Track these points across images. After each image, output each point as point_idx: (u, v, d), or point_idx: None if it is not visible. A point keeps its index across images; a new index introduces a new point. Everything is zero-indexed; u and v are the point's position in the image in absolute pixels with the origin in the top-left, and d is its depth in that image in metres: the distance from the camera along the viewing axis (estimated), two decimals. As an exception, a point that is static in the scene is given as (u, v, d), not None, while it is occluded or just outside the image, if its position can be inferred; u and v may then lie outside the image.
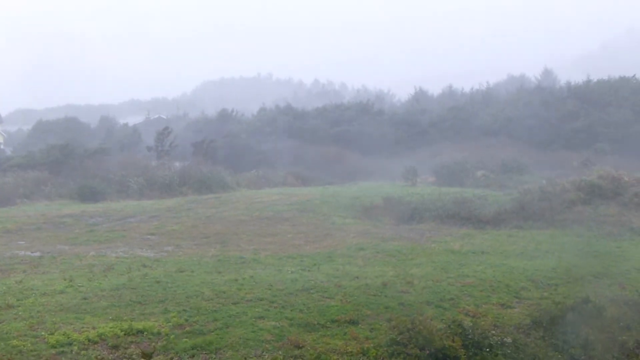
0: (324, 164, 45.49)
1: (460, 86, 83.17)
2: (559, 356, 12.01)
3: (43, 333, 11.38)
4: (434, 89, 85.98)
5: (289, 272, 16.49)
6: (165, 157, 46.01)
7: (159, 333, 11.48)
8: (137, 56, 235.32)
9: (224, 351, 10.83)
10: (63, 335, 11.19)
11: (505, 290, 15.11)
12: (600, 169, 31.83)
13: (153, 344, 10.98)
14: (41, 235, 22.87)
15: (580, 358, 12.02)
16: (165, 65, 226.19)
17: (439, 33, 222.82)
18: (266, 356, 10.69)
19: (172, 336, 11.29)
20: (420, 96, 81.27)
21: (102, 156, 42.36)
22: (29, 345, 10.83)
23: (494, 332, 12.27)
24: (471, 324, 12.33)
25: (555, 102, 57.57)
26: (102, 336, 11.22)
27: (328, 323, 12.34)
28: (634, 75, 59.33)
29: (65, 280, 15.26)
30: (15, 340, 10.98)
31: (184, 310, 12.90)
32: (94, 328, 11.64)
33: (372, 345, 11.26)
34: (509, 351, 11.68)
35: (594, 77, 60.89)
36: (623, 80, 59.49)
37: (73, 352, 10.59)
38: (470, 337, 11.73)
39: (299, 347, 11.09)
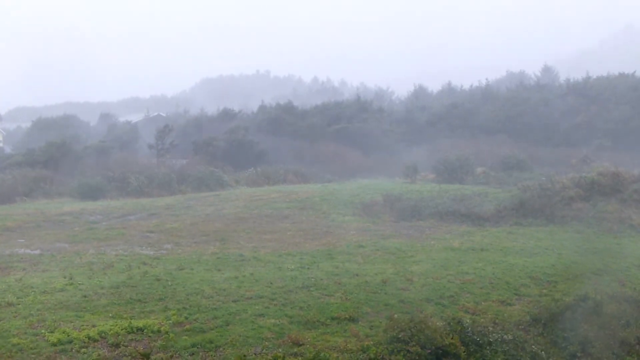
0: (324, 161, 45.44)
1: (459, 83, 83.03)
2: (559, 353, 12.04)
3: (43, 331, 11.39)
4: (434, 85, 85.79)
5: (289, 269, 16.51)
6: (165, 155, 46.01)
7: (158, 331, 11.48)
8: (136, 54, 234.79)
9: (223, 349, 10.84)
10: (63, 333, 11.19)
11: (504, 287, 15.13)
12: (599, 165, 31.91)
13: (153, 342, 10.99)
14: (41, 233, 22.88)
15: (579, 355, 12.06)
16: (164, 62, 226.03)
17: (438, 30, 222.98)
18: (266, 354, 10.69)
19: (171, 334, 11.30)
20: (419, 93, 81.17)
21: (101, 154, 42.32)
22: (29, 343, 10.84)
23: (493, 329, 12.28)
24: (471, 322, 12.35)
25: (554, 98, 57.52)
26: (102, 334, 11.23)
27: (328, 320, 12.36)
28: (634, 72, 59.33)
29: (65, 278, 15.28)
30: (15, 338, 10.99)
31: (184, 308, 12.91)
32: (94, 326, 11.65)
33: (372, 342, 11.27)
34: (508, 348, 11.70)
35: (593, 74, 60.88)
36: (622, 76, 59.49)
37: (73, 350, 10.60)
38: (470, 334, 11.75)
39: (298, 345, 11.10)
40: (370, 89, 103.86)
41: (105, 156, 42.50)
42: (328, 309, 12.99)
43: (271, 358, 10.50)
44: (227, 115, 58.60)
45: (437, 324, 11.88)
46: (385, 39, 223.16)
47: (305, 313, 12.74)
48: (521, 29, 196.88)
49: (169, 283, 14.86)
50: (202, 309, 12.81)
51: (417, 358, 10.83)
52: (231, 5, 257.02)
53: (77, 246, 20.32)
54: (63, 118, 70.19)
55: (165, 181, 37.30)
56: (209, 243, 20.77)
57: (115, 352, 10.62)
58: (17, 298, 13.49)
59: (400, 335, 11.17)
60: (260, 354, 10.73)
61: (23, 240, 21.23)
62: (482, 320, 12.70)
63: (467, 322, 12.19)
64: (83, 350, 10.62)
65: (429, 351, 11.02)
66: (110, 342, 10.96)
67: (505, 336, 12.05)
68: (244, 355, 10.52)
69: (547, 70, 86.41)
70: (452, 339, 11.29)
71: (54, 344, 10.76)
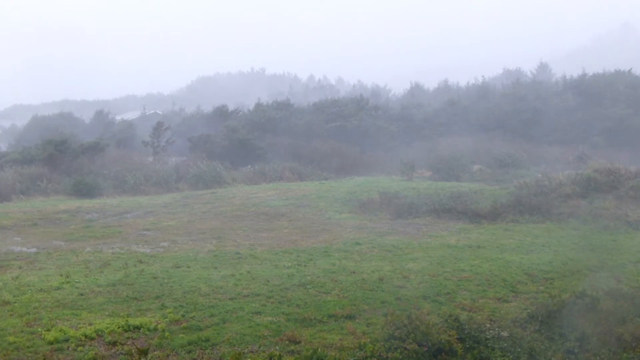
0: (320, 159, 45.40)
1: (455, 80, 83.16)
2: (556, 349, 12.03)
3: (39, 329, 11.37)
4: (430, 83, 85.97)
5: (286, 267, 16.50)
6: (162, 152, 45.95)
7: (155, 329, 11.47)
8: (132, 52, 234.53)
9: (220, 347, 10.83)
10: (60, 331, 11.17)
11: (501, 284, 15.15)
12: (596, 162, 31.94)
13: (149, 340, 10.97)
14: (37, 231, 22.85)
15: (576, 351, 12.05)
16: (160, 61, 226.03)
17: (434, 28, 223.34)
18: (263, 352, 10.68)
19: (168, 332, 11.28)
20: (416, 91, 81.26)
21: (97, 151, 42.22)
22: (26, 341, 10.82)
23: (490, 326, 12.29)
24: (467, 318, 12.35)
25: (550, 96, 57.55)
26: (99, 332, 11.21)
27: (325, 318, 12.36)
28: (630, 69, 59.41)
29: (61, 276, 15.25)
30: (11, 337, 10.96)
31: (181, 306, 12.90)
32: (90, 324, 11.63)
33: (369, 340, 11.26)
34: (505, 345, 11.70)
35: (590, 71, 60.96)
36: (618, 73, 59.54)
37: (70, 349, 10.58)
38: (467, 331, 11.74)
39: (295, 343, 11.09)
40: (366, 86, 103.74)
41: (101, 154, 42.36)
42: (325, 306, 12.99)
43: (268, 356, 10.48)
44: (222, 113, 58.49)
45: (434, 321, 11.87)
46: (382, 37, 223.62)
47: (302, 311, 12.73)
48: (517, 26, 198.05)
49: (166, 281, 14.85)
50: (199, 307, 12.80)
51: (414, 355, 10.82)
52: (226, 4, 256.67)
53: (73, 244, 20.29)
54: (59, 116, 70.04)
55: (162, 179, 37.27)
56: (205, 241, 20.77)
57: (112, 350, 10.60)
58: (13, 296, 13.46)
59: (397, 333, 11.16)
60: (257, 352, 10.72)
61: (19, 239, 21.20)
62: (478, 317, 12.71)
63: (463, 319, 12.19)
64: (80, 348, 10.60)
65: (426, 348, 11.01)
66: (107, 340, 10.95)
67: (502, 333, 12.06)
68: (241, 353, 10.50)
69: (543, 67, 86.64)
70: (449, 335, 11.28)
71: (51, 343, 10.75)
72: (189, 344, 10.88)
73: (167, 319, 12.02)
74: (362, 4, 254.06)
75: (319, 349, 10.78)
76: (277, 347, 10.85)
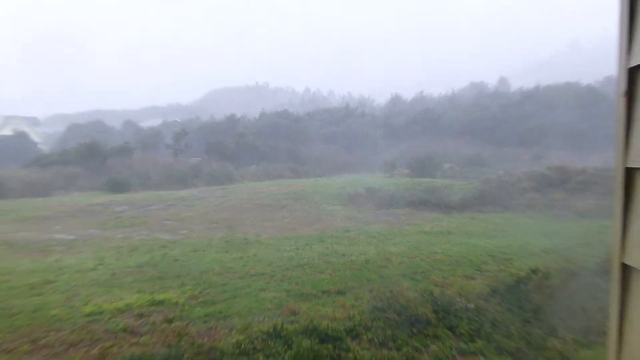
0: (315, 159, 45.45)
1: (429, 92, 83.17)
2: (514, 319, 12.12)
3: (77, 304, 11.38)
4: (408, 94, 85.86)
5: (286, 251, 16.53)
6: (181, 154, 45.92)
7: (176, 303, 11.49)
8: (154, 69, 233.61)
9: (231, 318, 10.87)
10: (95, 305, 11.19)
11: (468, 264, 15.19)
12: (548, 162, 32.08)
13: (172, 313, 11.01)
14: (75, 221, 22.82)
15: (531, 320, 12.15)
16: (178, 75, 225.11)
17: (411, 47, 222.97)
18: (267, 322, 10.73)
19: (187, 306, 11.31)
20: (396, 101, 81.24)
21: (126, 154, 42.17)
22: (66, 314, 10.84)
23: (459, 299, 12.36)
24: (440, 293, 12.42)
25: (509, 105, 57.74)
26: (129, 306, 11.23)
27: (319, 293, 12.39)
28: (577, 81, 59.63)
29: (96, 259, 15.26)
30: (54, 310, 10.98)
31: (198, 284, 12.92)
32: (121, 299, 11.65)
33: (356, 312, 11.32)
34: (471, 315, 11.78)
35: (543, 84, 61.16)
36: (567, 85, 59.79)
37: (103, 320, 10.60)
38: (439, 303, 11.81)
39: (295, 314, 11.13)
40: (354, 97, 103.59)
41: (129, 156, 42.30)
42: (319, 284, 13.02)
43: (272, 325, 10.53)
44: (232, 121, 58.41)
45: (412, 295, 11.92)
46: (368, 54, 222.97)
47: (300, 287, 12.76)
48: (481, 44, 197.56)
49: (185, 263, 14.86)
50: (213, 285, 12.82)
51: (394, 324, 10.89)
52: (234, 25, 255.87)
53: (106, 232, 20.28)
54: (92, 123, 69.81)
55: (181, 177, 37.24)
56: (218, 229, 20.76)
57: (140, 321, 10.63)
58: (55, 276, 13.46)
59: (380, 305, 11.22)
60: (262, 322, 10.76)
61: (59, 227, 21.16)
62: (449, 292, 12.76)
63: (436, 293, 12.25)
64: (112, 319, 10.62)
65: (405, 318, 11.07)
66: (135, 312, 10.96)
67: (468, 305, 12.14)
68: (249, 324, 10.55)
69: (502, 80, 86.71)
70: (424, 307, 11.34)
71: (87, 315, 10.76)
72: (205, 315, 10.91)
73: (186, 295, 12.03)
74: (351, 28, 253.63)
75: (315, 319, 10.83)
76: (280, 318, 10.88)
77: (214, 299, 12.08)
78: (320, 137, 52.64)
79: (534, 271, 14.04)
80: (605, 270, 14.60)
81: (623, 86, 1.59)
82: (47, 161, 40.36)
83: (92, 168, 38.33)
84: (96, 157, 40.15)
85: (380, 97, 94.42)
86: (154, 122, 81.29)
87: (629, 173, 1.56)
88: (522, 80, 75.74)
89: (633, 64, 1.54)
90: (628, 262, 1.56)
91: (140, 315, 11.05)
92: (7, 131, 68.40)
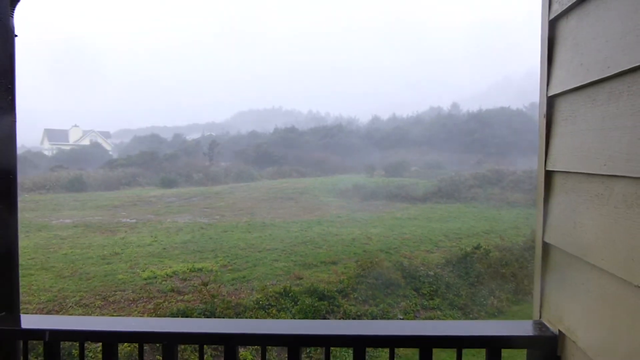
0: (315, 163, 45.44)
1: (400, 113, 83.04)
2: (462, 282, 12.15)
3: (138, 270, 11.39)
4: (384, 115, 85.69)
5: (294, 231, 16.53)
6: (215, 160, 45.90)
7: (211, 270, 11.51)
8: (196, 94, 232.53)
9: (252, 281, 10.88)
10: (150, 272, 11.20)
11: (429, 242, 15.22)
12: (488, 165, 32.09)
13: (207, 277, 11.02)
14: (136, 209, 22.77)
15: (475, 284, 12.17)
16: (214, 99, 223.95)
17: (385, 77, 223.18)
18: (279, 284, 10.74)
19: (219, 272, 11.32)
20: (375, 120, 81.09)
21: (175, 159, 42.13)
22: (129, 278, 10.84)
23: (422, 268, 12.39)
24: (408, 263, 12.46)
25: (460, 123, 57.81)
26: (175, 272, 11.24)
27: (318, 264, 12.41)
28: (509, 106, 59.66)
29: (152, 237, 15.25)
30: (120, 275, 10.99)
31: (227, 256, 12.92)
32: (170, 267, 11.66)
33: (345, 277, 11.34)
34: (431, 280, 11.81)
35: (484, 108, 61.23)
36: (502, 109, 59.82)
37: (157, 283, 10.61)
38: (407, 271, 11.85)
39: (300, 279, 11.15)
40: (344, 117, 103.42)
41: (176, 161, 42.25)
42: (318, 256, 13.04)
43: (282, 287, 10.55)
44: (253, 135, 58.38)
45: (387, 265, 11.95)
46: (353, 84, 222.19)
47: (304, 259, 12.78)
48: (438, 76, 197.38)
49: (218, 240, 14.86)
50: (239, 257, 12.83)
51: (373, 286, 10.92)
52: (258, 62, 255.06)
53: (159, 217, 20.24)
54: (149, 136, 69.67)
55: (215, 176, 37.21)
56: (243, 215, 20.74)
57: (184, 284, 10.64)
58: (121, 250, 13.47)
59: (363, 273, 11.25)
60: (275, 284, 10.78)
61: (125, 213, 21.12)
62: (415, 262, 12.79)
63: (405, 264, 12.28)
64: (163, 282, 10.64)
65: (381, 282, 11.10)
66: (180, 277, 10.98)
67: (429, 272, 12.17)
68: (265, 286, 10.56)
69: (454, 105, 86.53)
70: (396, 274, 11.37)
71: (145, 279, 10.77)
72: (233, 279, 10.92)
73: (219, 264, 12.05)
74: (343, 61, 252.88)
75: (315, 283, 10.86)
76: (288, 282, 10.90)
77: (239, 267, 12.11)
78: (319, 147, 52.68)
79: (477, 247, 14.09)
80: (530, 247, 14.66)
81: (544, 110, 1.60)
82: (116, 164, 40.33)
83: (150, 169, 38.28)
84: (153, 161, 40.10)
85: (364, 117, 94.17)
86: (195, 135, 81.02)
87: (548, 174, 1.57)
88: (469, 104, 75.68)
89: (551, 93, 1.55)
90: (547, 240, 1.57)
91: (184, 279, 11.08)
92: (86, 142, 68.51)
